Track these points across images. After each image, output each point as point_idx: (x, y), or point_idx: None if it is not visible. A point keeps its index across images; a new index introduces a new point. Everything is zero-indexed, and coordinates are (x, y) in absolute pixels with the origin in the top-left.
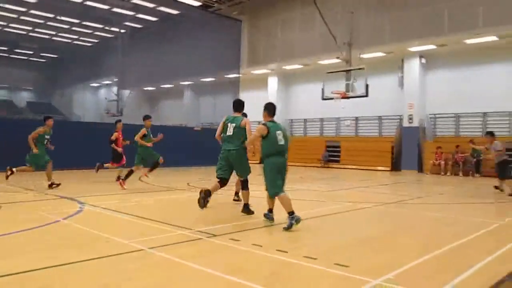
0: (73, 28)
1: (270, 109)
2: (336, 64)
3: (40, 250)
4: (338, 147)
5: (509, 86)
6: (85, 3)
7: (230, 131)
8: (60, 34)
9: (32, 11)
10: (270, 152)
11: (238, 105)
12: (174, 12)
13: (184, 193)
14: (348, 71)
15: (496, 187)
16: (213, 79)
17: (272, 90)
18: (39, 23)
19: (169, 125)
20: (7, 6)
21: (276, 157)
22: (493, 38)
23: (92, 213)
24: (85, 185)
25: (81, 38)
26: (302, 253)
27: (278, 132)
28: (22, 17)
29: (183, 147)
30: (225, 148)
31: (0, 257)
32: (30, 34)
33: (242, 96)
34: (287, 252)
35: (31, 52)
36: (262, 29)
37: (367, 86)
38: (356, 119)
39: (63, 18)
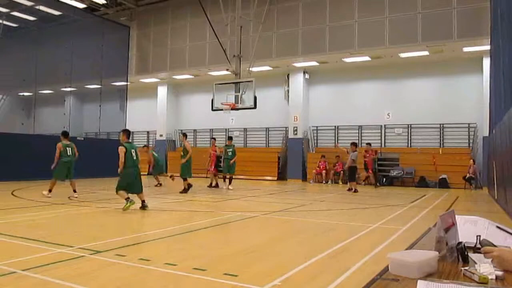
0: None
1: (127, 133)
2: (226, 75)
3: None
4: None
5: (377, 102)
6: None
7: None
8: None
9: None
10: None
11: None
12: (56, 12)
13: (63, 208)
14: (237, 83)
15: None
16: (98, 86)
17: (162, 99)
18: None
19: (48, 135)
20: None
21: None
22: (366, 58)
23: None
24: None
25: None
26: (191, 265)
27: (132, 150)
28: None
29: None
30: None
31: None
32: None
33: (131, 104)
34: (176, 265)
35: None
36: (152, 36)
37: (255, 98)
38: (245, 130)
39: None
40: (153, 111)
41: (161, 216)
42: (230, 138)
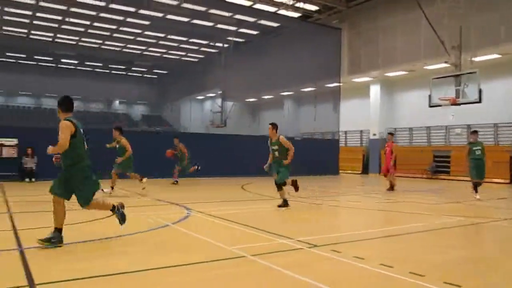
0: (181, 46)
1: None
2: (443, 68)
3: (144, 252)
4: (448, 157)
5: None
6: (191, 21)
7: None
8: (170, 51)
9: (146, 32)
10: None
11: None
12: (274, 24)
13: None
14: (457, 75)
15: None
16: (313, 88)
17: (375, 98)
18: (152, 42)
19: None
20: (125, 29)
21: (86, 161)
22: None
23: (198, 219)
24: (190, 193)
25: (188, 54)
26: (408, 269)
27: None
28: (137, 38)
29: None
30: None
31: (103, 257)
32: (144, 53)
33: (344, 104)
34: (392, 267)
35: (145, 69)
36: (363, 36)
37: (480, 91)
38: (468, 127)
39: (172, 37)
40: (366, 110)
41: (376, 216)
42: (474, 132)
